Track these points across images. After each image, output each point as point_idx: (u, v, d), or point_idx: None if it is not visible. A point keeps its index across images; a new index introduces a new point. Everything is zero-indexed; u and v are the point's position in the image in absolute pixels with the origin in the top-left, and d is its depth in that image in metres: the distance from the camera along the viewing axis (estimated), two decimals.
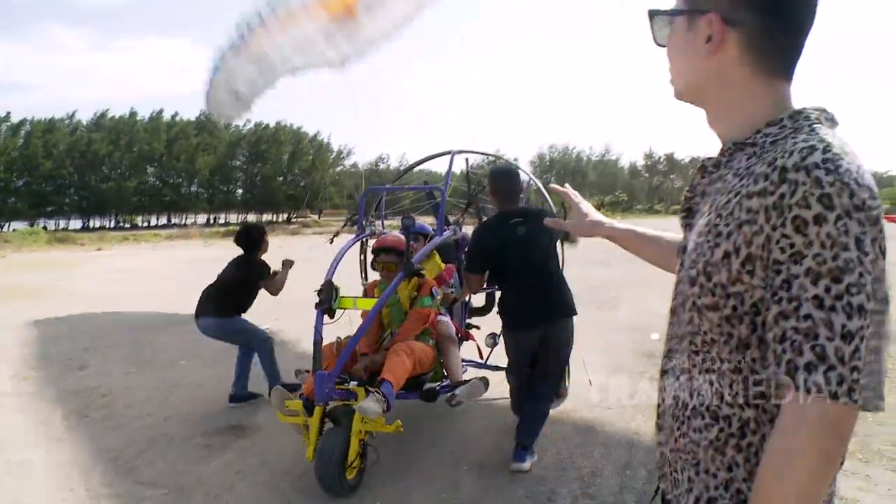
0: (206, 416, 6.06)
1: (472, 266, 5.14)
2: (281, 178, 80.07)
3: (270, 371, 6.53)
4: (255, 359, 6.64)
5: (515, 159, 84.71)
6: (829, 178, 1.04)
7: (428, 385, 5.18)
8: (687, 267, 1.27)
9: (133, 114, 72.33)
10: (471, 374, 5.83)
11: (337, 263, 5.39)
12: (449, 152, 7.20)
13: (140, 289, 15.73)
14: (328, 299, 5.02)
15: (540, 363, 5.01)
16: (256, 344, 6.58)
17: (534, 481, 4.59)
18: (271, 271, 6.65)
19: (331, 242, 6.31)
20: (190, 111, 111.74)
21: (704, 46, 1.26)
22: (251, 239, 6.70)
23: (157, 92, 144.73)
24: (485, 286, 5.73)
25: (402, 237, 5.37)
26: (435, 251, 6.10)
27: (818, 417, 1.03)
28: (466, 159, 7.41)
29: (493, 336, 6.19)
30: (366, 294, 5.68)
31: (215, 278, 6.80)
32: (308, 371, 5.02)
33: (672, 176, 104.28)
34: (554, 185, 2.26)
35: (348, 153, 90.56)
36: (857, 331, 1.02)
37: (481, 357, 6.33)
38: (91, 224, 70.08)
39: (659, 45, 1.39)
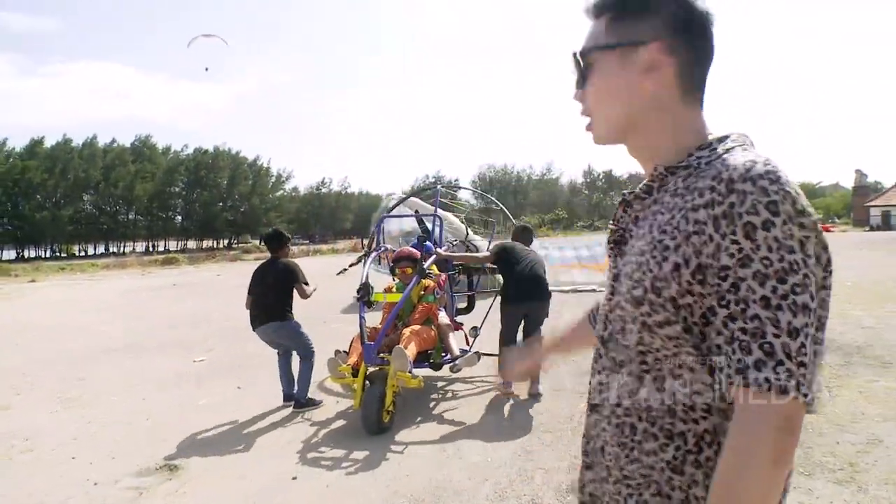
0: (136, 456, 5.80)
1: (491, 255, 7.79)
2: (221, 204, 79.20)
3: (304, 380, 7.24)
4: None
5: (456, 180, 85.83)
6: (774, 188, 1.11)
7: (432, 360, 7.04)
8: (628, 289, 1.28)
9: (67, 140, 70.91)
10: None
11: (367, 271, 7.58)
12: (435, 186, 9.97)
13: (74, 321, 15.28)
14: (366, 294, 7.07)
15: (526, 332, 7.26)
16: (304, 351, 7.32)
17: None
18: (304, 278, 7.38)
19: (343, 272, 9.11)
20: (126, 137, 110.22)
21: (639, 77, 1.30)
22: (282, 239, 7.49)
23: (92, 118, 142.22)
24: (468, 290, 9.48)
25: (414, 250, 7.77)
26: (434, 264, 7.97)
27: (769, 415, 1.07)
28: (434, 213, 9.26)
29: (474, 329, 8.43)
30: (387, 292, 7.51)
31: (254, 288, 7.37)
32: (346, 351, 7.00)
33: (611, 193, 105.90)
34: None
35: (288, 177, 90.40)
36: (802, 328, 1.08)
37: (468, 344, 8.23)
38: (26, 254, 68.32)
39: (581, 86, 1.41)
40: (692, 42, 1.30)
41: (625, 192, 1.42)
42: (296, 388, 7.31)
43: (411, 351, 6.47)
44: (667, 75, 1.30)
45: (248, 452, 5.89)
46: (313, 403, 7.25)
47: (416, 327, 6.96)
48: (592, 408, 1.44)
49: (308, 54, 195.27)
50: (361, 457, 5.66)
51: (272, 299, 7.19)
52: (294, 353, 7.42)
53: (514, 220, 9.43)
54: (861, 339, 9.05)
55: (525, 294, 7.29)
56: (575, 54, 1.39)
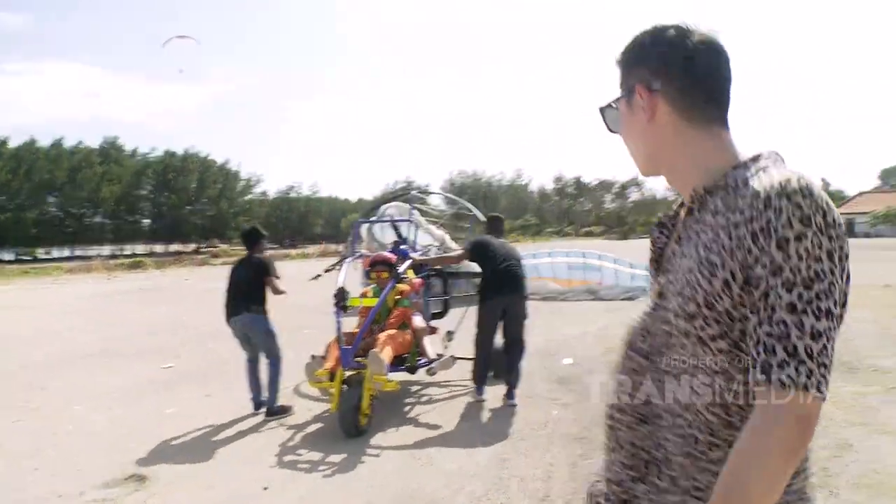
0: (101, 467, 5.65)
1: (466, 250, 7.73)
2: (189, 208, 78.38)
3: (273, 386, 7.26)
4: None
5: (427, 185, 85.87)
6: (807, 202, 1.20)
7: (408, 364, 7.12)
8: (678, 305, 1.36)
9: (32, 141, 69.78)
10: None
11: (343, 276, 7.54)
12: (409, 192, 10.27)
13: (37, 327, 14.94)
14: (342, 299, 7.07)
15: (507, 332, 7.42)
16: (273, 352, 7.32)
17: None
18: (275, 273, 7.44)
19: (317, 278, 9.07)
20: (93, 138, 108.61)
21: (643, 116, 1.47)
22: (257, 235, 7.64)
23: (58, 118, 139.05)
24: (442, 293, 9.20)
25: (389, 254, 7.83)
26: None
27: (789, 410, 1.15)
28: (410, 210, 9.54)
29: (449, 333, 8.42)
30: (363, 297, 7.52)
31: (230, 283, 7.45)
32: (322, 356, 6.84)
33: (581, 199, 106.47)
34: None
35: (257, 182, 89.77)
36: (825, 331, 1.16)
37: (444, 348, 8.18)
38: None
39: (612, 131, 1.61)
40: (675, 76, 1.44)
41: (660, 214, 1.60)
42: (265, 395, 7.25)
43: (387, 354, 6.51)
44: (662, 112, 1.46)
45: (218, 461, 5.79)
46: (285, 411, 7.20)
47: (392, 331, 7.00)
48: (641, 420, 1.47)
49: (281, 58, 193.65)
50: (336, 463, 5.61)
51: (247, 293, 7.25)
52: (261, 358, 7.37)
53: (480, 215, 9.65)
54: None
55: (503, 288, 7.30)
56: (601, 109, 1.61)
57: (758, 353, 1.19)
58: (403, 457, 5.76)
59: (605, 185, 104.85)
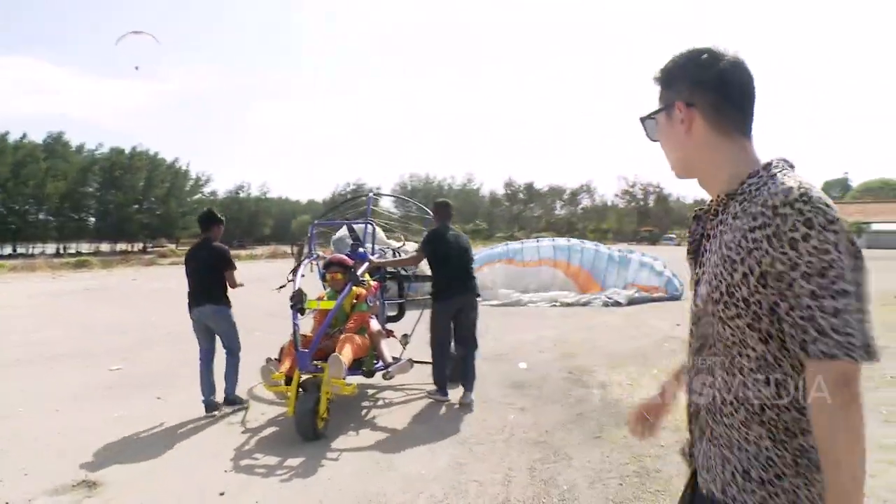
0: (51, 473, 5.47)
1: (421, 250, 7.69)
2: (136, 206, 77.07)
3: (232, 375, 7.40)
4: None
5: (378, 187, 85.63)
6: (807, 207, 1.48)
7: (365, 367, 7.07)
8: (707, 292, 1.70)
9: None
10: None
11: (299, 277, 7.68)
12: (367, 195, 10.22)
13: None
14: (299, 301, 7.07)
15: (458, 329, 7.55)
16: (232, 345, 7.46)
17: None
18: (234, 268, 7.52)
19: (280, 289, 8.85)
20: (38, 133, 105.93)
21: (682, 128, 1.76)
22: (214, 218, 7.67)
23: (6, 113, 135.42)
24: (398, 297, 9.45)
25: (345, 257, 7.86)
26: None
27: (827, 375, 1.45)
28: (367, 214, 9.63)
29: (405, 336, 8.44)
30: (320, 300, 7.45)
31: (190, 270, 7.53)
32: (277, 359, 6.99)
33: (531, 205, 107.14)
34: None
35: (207, 181, 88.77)
36: (844, 307, 1.44)
37: (402, 350, 8.26)
38: None
39: (652, 140, 1.89)
40: (709, 93, 1.71)
41: (696, 209, 1.89)
42: (217, 390, 7.29)
43: (346, 358, 6.53)
44: (698, 124, 1.74)
45: (172, 466, 5.66)
46: (240, 402, 7.37)
47: (350, 335, 7.00)
48: (691, 381, 1.84)
49: (235, 58, 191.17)
50: (294, 467, 5.54)
51: (208, 281, 7.35)
52: (217, 355, 7.40)
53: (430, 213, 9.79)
54: None
55: (459, 287, 7.46)
56: (641, 119, 1.89)
57: (795, 333, 1.49)
58: (362, 460, 5.72)
59: (555, 192, 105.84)
